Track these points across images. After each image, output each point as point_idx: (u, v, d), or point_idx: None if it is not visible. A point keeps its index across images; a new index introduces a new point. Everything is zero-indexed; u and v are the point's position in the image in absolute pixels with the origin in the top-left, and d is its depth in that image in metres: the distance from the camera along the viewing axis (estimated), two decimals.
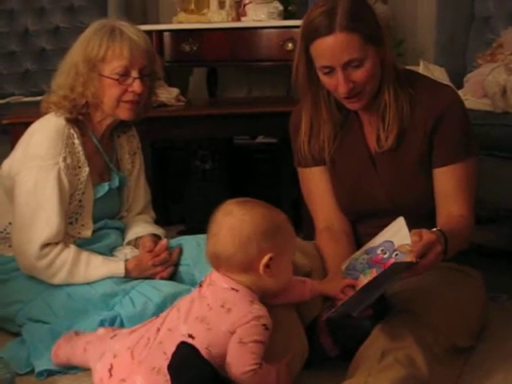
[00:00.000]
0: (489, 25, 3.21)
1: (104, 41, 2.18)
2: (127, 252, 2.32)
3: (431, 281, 1.93)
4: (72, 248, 2.19)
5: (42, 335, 2.09)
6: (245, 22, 3.49)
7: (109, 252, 2.31)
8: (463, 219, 1.97)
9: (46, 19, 3.85)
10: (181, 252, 2.33)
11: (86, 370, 1.91)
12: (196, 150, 3.38)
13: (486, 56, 2.97)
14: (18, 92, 3.66)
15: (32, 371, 1.99)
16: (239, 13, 3.53)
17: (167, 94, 3.02)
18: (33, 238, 2.16)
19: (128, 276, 2.21)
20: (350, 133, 2.08)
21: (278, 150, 3.44)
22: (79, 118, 2.23)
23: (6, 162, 2.27)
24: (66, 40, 3.58)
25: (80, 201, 2.23)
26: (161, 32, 3.46)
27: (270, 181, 3.44)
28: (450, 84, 2.53)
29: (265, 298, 1.77)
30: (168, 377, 1.63)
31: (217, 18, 3.48)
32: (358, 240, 2.10)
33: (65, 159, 2.17)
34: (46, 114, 2.26)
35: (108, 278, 2.18)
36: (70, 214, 2.22)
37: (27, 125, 2.28)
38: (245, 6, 3.53)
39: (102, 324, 2.07)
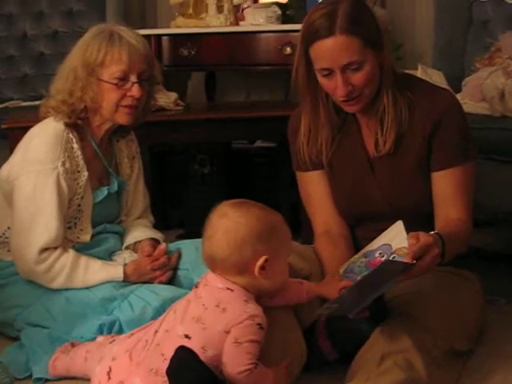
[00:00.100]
0: (487, 29, 3.21)
1: (103, 45, 2.18)
2: (126, 256, 2.31)
3: (429, 284, 1.93)
4: (71, 252, 2.19)
5: (40, 340, 2.09)
6: (243, 27, 3.48)
7: (108, 256, 2.31)
8: (461, 223, 1.97)
9: (44, 23, 3.84)
10: (179, 256, 2.33)
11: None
12: (194, 154, 3.37)
13: (484, 60, 2.98)
14: (17, 96, 3.66)
15: (31, 376, 1.98)
16: (237, 17, 3.53)
17: (166, 99, 3.01)
18: (32, 243, 2.16)
19: (127, 280, 2.20)
20: (347, 136, 2.08)
21: (276, 154, 3.44)
22: (78, 123, 2.23)
23: (5, 167, 2.26)
24: (65, 44, 3.57)
25: (79, 205, 2.23)
26: (159, 36, 3.46)
27: (269, 185, 3.44)
28: (448, 88, 2.54)
29: (261, 298, 1.77)
30: (166, 378, 1.64)
31: (215, 23, 3.48)
32: (357, 244, 2.09)
33: (64, 164, 2.17)
34: (44, 118, 2.25)
35: (107, 282, 2.18)
36: (68, 219, 2.22)
37: (26, 129, 2.28)
38: (243, 10, 3.53)
39: (100, 328, 2.07)
